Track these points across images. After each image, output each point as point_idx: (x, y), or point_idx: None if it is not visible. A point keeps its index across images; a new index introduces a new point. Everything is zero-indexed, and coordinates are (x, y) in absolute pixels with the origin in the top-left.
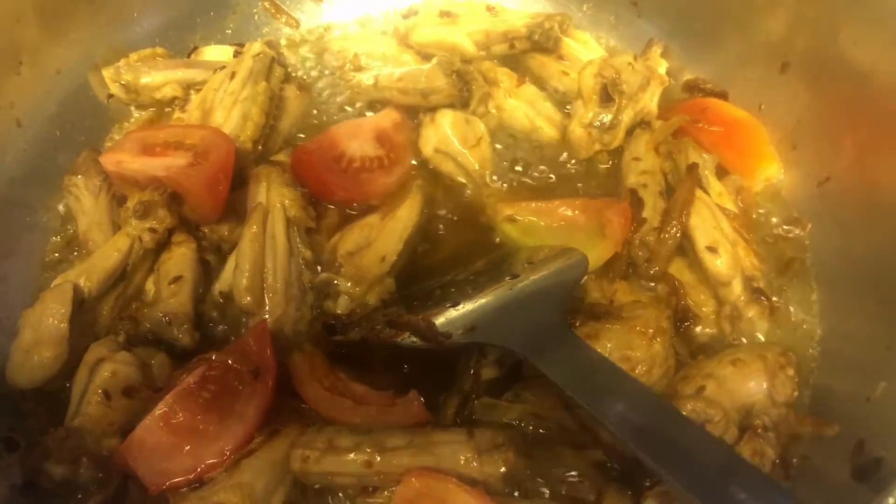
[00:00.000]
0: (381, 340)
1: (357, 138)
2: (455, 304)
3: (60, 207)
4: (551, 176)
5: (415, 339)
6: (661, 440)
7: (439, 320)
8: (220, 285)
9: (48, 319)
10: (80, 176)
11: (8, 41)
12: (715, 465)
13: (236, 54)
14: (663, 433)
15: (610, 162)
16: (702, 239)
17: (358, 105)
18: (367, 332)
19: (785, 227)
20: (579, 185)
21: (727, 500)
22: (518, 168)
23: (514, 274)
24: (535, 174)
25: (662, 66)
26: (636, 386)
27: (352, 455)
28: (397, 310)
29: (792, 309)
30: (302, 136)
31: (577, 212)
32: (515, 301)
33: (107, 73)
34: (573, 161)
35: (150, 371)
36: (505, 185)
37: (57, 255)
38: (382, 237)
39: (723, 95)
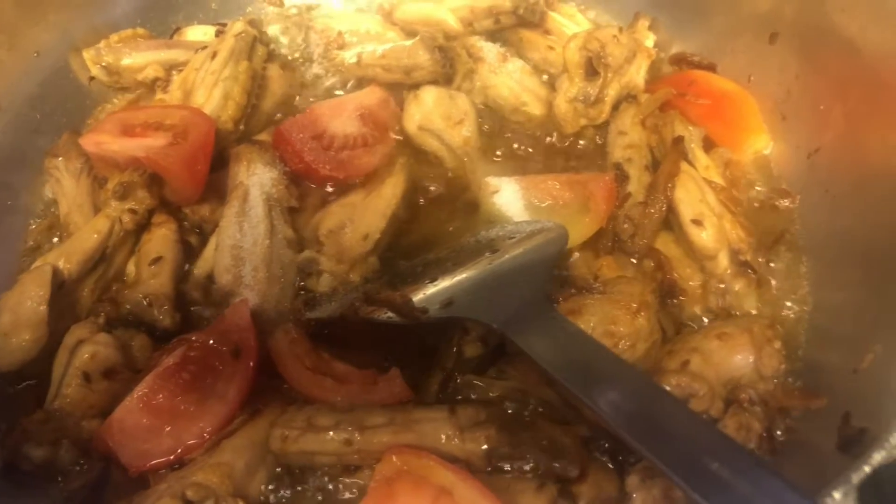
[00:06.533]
0: (358, 317)
1: (340, 116)
2: (433, 280)
3: (47, 191)
4: (536, 151)
5: (392, 314)
6: (641, 418)
7: (417, 296)
8: (202, 266)
9: (27, 302)
10: (60, 158)
11: None
12: (696, 442)
13: (218, 34)
14: (644, 411)
15: (596, 136)
16: (687, 212)
17: (341, 83)
18: (346, 309)
19: (774, 199)
20: (565, 160)
21: (709, 478)
22: (503, 144)
23: (493, 249)
24: (521, 150)
25: (650, 39)
26: (617, 362)
27: (331, 434)
28: (376, 286)
29: (780, 282)
30: (282, 116)
31: (562, 187)
32: (493, 276)
33: (87, 54)
34: (559, 136)
35: (131, 352)
36: (490, 161)
37: (38, 238)
38: (366, 215)
39: (711, 68)
